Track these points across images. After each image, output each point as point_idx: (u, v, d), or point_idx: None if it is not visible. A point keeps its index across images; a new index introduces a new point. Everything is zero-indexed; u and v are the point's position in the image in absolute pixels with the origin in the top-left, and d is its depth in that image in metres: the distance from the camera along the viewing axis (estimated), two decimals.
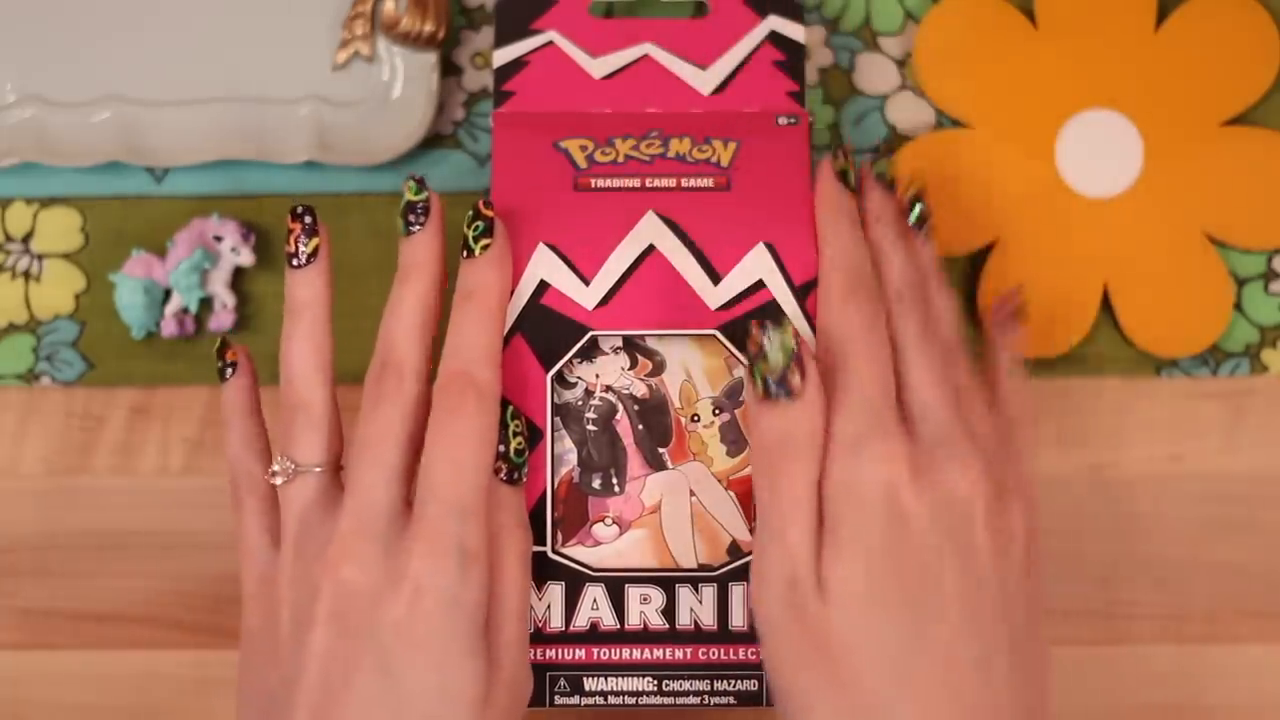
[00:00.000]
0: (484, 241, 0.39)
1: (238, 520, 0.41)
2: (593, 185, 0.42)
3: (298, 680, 0.37)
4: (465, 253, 0.40)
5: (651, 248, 0.41)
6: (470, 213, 0.40)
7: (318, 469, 0.39)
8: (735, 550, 0.42)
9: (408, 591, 0.37)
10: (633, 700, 0.41)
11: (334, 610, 0.37)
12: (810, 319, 0.41)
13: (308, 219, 0.41)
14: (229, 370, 0.42)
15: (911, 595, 0.37)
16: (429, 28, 0.47)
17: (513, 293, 0.40)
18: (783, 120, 0.44)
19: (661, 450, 0.42)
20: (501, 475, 0.39)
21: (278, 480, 0.40)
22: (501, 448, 0.39)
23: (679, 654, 0.41)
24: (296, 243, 0.40)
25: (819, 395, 0.38)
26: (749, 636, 0.41)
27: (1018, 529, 0.38)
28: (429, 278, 0.40)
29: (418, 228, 0.40)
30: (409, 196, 0.40)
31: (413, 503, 0.38)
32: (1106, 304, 0.48)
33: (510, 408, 0.39)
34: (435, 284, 0.40)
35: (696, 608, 0.41)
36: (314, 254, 0.41)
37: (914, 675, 0.36)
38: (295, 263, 0.41)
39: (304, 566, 0.38)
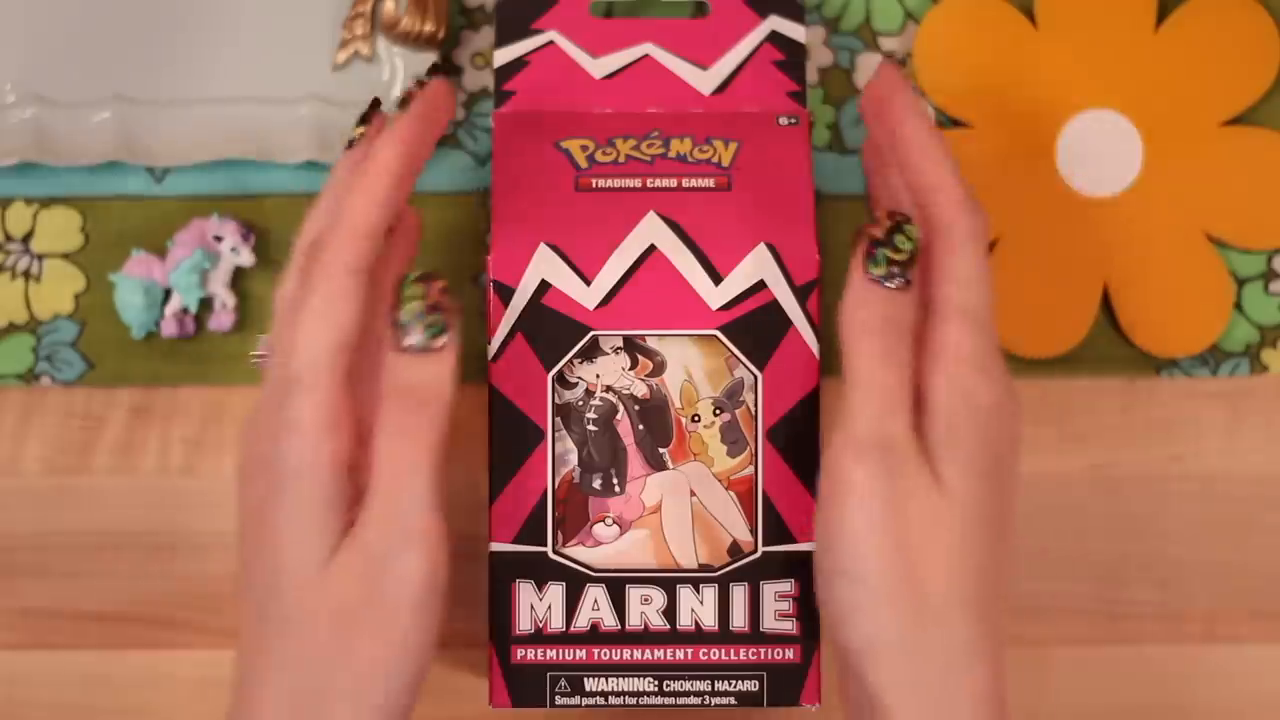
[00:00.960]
0: (399, 114, 0.40)
1: None
2: (594, 185, 0.42)
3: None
4: None
5: (652, 248, 0.41)
6: None
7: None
8: (736, 550, 0.42)
9: (254, 464, 0.38)
10: (633, 700, 0.41)
11: (237, 483, 0.39)
12: (811, 319, 0.41)
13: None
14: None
15: (1001, 516, 0.39)
16: (429, 28, 0.47)
17: (510, 280, 0.40)
18: (783, 120, 0.44)
19: (662, 450, 0.42)
20: (390, 344, 0.37)
21: (254, 363, 0.43)
22: (399, 315, 0.37)
23: (680, 654, 0.41)
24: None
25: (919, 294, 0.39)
26: (749, 637, 0.41)
27: None
28: (349, 160, 0.41)
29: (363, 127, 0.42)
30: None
31: None
32: (1106, 304, 0.48)
33: (412, 274, 0.38)
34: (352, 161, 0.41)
35: (697, 608, 0.41)
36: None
37: (981, 595, 0.38)
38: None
39: None
